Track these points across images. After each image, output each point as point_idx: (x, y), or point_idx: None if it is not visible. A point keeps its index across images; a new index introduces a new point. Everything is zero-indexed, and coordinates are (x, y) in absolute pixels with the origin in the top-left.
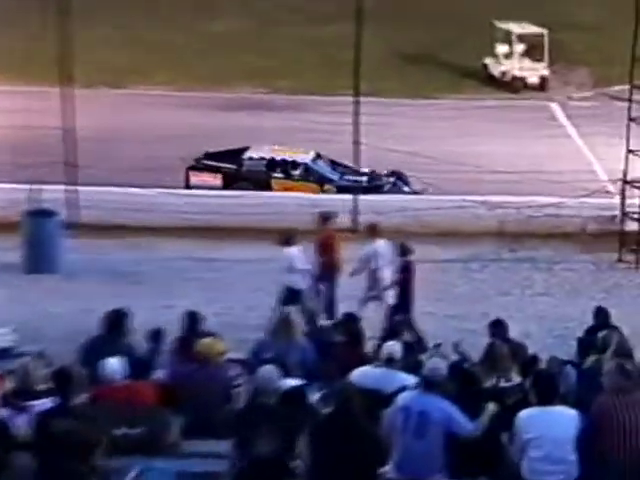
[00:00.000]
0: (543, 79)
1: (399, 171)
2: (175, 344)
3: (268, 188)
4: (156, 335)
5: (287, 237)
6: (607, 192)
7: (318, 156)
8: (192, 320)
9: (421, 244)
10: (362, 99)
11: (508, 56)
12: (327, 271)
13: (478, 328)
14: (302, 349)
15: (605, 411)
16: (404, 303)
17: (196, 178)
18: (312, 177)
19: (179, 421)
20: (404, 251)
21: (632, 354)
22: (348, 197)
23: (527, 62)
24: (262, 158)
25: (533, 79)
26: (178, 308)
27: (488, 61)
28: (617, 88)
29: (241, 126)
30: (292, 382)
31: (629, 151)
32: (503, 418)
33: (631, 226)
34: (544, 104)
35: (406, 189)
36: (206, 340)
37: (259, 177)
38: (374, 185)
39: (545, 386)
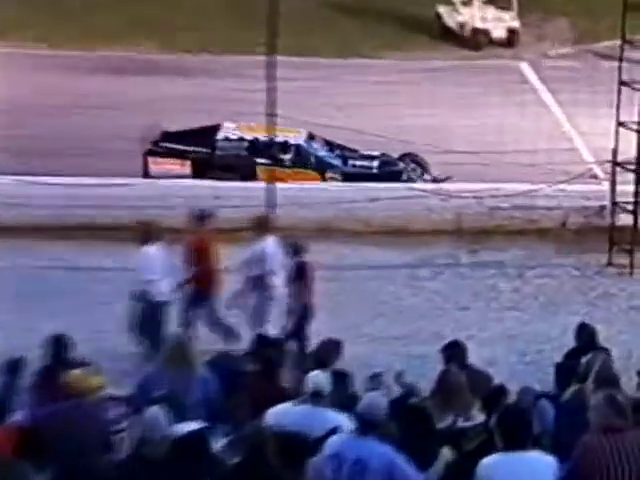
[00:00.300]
0: (512, 33)
1: (414, 154)
2: (37, 377)
3: (252, 178)
4: (12, 366)
5: (144, 234)
6: (593, 177)
7: (311, 136)
8: (58, 346)
9: (357, 245)
10: (280, 59)
11: (466, 3)
12: (201, 285)
13: (429, 352)
14: (202, 382)
15: (591, 455)
16: (300, 316)
17: (157, 166)
18: (308, 163)
19: (43, 476)
20: (297, 250)
21: (618, 381)
22: (259, 185)
23: (491, 11)
24: (242, 139)
25: (499, 32)
26: (39, 331)
27: (442, 10)
28: (604, 44)
29: (135, 94)
30: (190, 426)
31: (619, 124)
32: (462, 467)
33: (624, 220)
34: (513, 64)
35: (427, 177)
36: (77, 372)
37: (239, 164)
38: (388, 171)
39: (514, 425)
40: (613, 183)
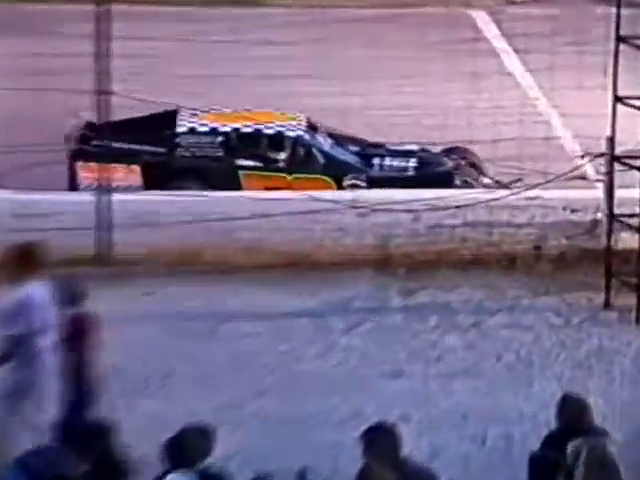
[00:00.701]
0: None
1: (462, 147)
2: None
3: (234, 187)
4: None
5: None
6: (581, 177)
7: (313, 126)
8: None
9: (237, 284)
10: (115, 8)
11: None
12: None
13: (344, 439)
14: None
15: None
16: (79, 391)
17: (90, 174)
18: (315, 164)
19: None
20: (73, 298)
21: (621, 477)
22: (84, 198)
23: None
24: (215, 131)
25: None
26: None
27: None
28: None
29: None
30: None
31: (617, 99)
32: None
33: (626, 241)
34: (463, 14)
35: (485, 180)
36: None
37: (213, 167)
38: (431, 174)
39: None
40: (610, 186)
